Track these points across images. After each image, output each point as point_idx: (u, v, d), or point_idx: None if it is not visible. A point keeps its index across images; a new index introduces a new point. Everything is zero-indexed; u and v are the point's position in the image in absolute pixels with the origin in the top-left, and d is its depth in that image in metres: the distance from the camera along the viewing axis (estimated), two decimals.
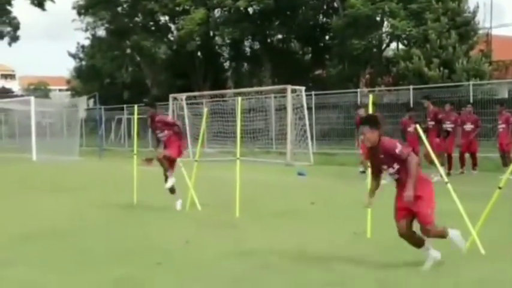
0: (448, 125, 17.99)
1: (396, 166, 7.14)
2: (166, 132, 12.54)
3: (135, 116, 14.64)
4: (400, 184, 7.26)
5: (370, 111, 10.06)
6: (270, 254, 8.01)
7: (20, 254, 8.39)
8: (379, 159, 7.25)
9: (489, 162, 19.44)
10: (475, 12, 33.78)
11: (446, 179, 8.43)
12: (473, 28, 33.62)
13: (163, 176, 12.39)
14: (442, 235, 7.34)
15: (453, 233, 7.39)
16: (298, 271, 7.12)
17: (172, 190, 12.35)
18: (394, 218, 7.34)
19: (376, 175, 7.54)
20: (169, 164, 12.32)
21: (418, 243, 7.25)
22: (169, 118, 12.76)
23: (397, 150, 7.01)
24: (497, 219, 8.94)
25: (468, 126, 18.45)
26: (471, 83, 27.09)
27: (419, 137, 9.88)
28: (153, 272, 7.19)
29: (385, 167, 7.27)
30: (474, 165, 18.55)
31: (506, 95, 26.57)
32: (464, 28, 32.77)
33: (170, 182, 12.24)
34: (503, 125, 17.82)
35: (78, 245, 8.90)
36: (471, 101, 24.28)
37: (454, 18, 32.53)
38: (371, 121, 7.17)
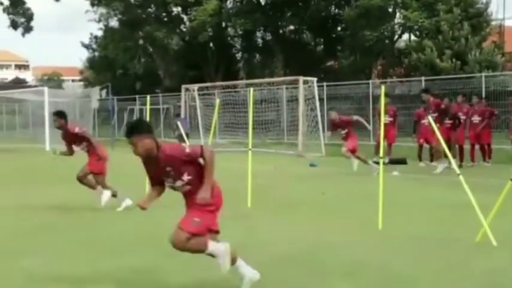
0: (460, 117, 17.98)
1: (187, 176, 5.98)
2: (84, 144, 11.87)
3: (148, 107, 14.69)
4: (191, 197, 6.13)
5: (383, 102, 10.10)
6: (282, 244, 8.06)
7: (32, 245, 8.46)
8: (161, 172, 6.05)
9: (502, 153, 19.40)
10: (487, 3, 33.64)
11: (458, 171, 8.43)
12: (485, 19, 33.47)
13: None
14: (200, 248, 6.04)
15: (217, 247, 6.10)
16: (312, 261, 7.15)
17: (114, 196, 11.57)
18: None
19: (158, 185, 6.39)
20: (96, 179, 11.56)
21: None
22: (78, 129, 11.98)
23: (186, 151, 5.86)
24: (510, 211, 8.95)
25: (476, 118, 18.34)
26: (483, 74, 27.01)
27: (433, 130, 9.88)
28: (166, 262, 7.23)
29: (169, 180, 6.10)
30: (486, 156, 18.45)
31: None
32: (477, 19, 32.61)
33: (104, 198, 11.37)
34: None
35: (89, 234, 8.99)
36: (483, 92, 24.25)
37: (466, 10, 32.37)
38: (138, 127, 5.97)
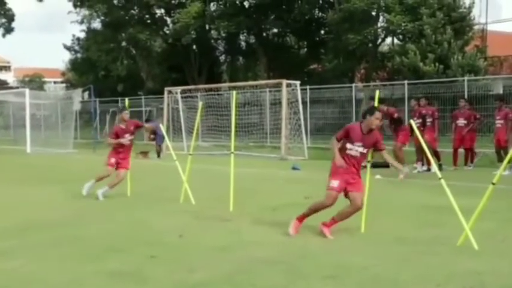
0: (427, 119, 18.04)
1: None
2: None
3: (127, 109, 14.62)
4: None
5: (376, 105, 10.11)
6: (264, 247, 8.02)
7: (15, 246, 8.37)
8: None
9: (484, 157, 19.47)
10: (470, 8, 33.73)
11: (439, 175, 8.42)
12: (468, 23, 33.57)
13: None
14: None
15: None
16: (293, 264, 7.11)
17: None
18: None
19: None
20: None
21: None
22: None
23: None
24: (491, 215, 8.97)
25: (461, 122, 18.38)
26: (466, 78, 27.11)
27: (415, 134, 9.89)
28: (147, 265, 7.18)
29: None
30: (468, 160, 18.48)
31: (501, 91, 26.54)
32: (460, 23, 32.73)
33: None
34: (502, 121, 17.67)
35: (72, 236, 8.90)
36: (466, 96, 24.32)
37: (449, 14, 32.49)
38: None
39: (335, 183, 8.47)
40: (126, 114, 13.00)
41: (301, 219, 8.80)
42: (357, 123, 8.79)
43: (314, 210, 8.74)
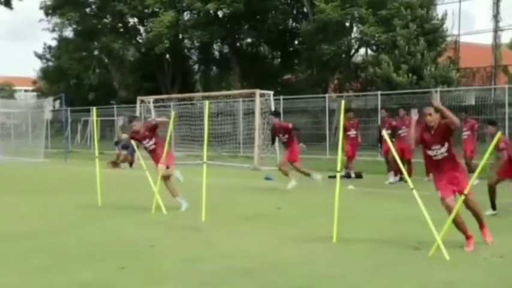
0: (403, 130, 18.07)
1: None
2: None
3: (95, 118, 14.52)
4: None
5: (342, 116, 10.06)
6: (237, 257, 7.97)
7: None
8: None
9: None
10: (443, 19, 34.03)
11: (411, 185, 8.41)
12: (441, 35, 33.87)
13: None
14: None
15: None
16: (266, 275, 7.07)
17: None
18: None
19: None
20: None
21: None
22: None
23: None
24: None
25: None
26: (439, 89, 27.33)
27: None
28: (117, 276, 7.09)
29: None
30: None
31: (473, 102, 26.83)
32: (433, 35, 33.01)
33: None
34: (468, 132, 17.85)
35: (42, 247, 8.77)
36: None
37: (422, 25, 32.75)
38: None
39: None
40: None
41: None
42: None
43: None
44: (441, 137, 8.14)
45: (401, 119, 18.44)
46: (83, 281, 6.92)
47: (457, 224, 8.09)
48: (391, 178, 17.74)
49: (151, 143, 12.48)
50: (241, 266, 7.48)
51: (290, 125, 15.83)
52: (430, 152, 8.25)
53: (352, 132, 19.32)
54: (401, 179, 17.15)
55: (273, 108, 25.54)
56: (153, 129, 12.59)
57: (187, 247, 8.71)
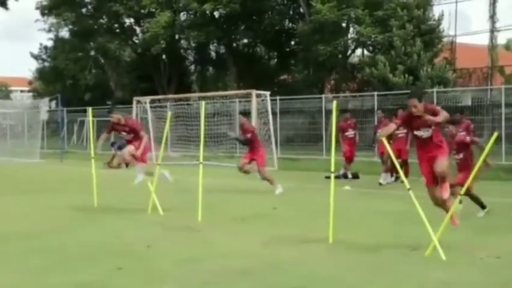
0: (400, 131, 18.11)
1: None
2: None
3: (90, 118, 14.50)
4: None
5: (334, 116, 10.05)
6: (234, 258, 7.96)
7: None
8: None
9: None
10: (439, 20, 34.04)
11: (408, 186, 8.40)
12: (437, 36, 33.87)
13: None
14: None
15: None
16: (263, 275, 7.06)
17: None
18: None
19: None
20: None
21: None
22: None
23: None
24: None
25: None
26: (435, 90, 27.31)
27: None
28: (115, 277, 7.08)
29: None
30: None
31: (469, 103, 26.81)
32: (429, 36, 33.01)
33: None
34: (464, 132, 17.87)
35: (38, 248, 8.75)
36: None
37: (418, 26, 32.76)
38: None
39: None
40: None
41: None
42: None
43: None
44: (424, 120, 8.44)
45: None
46: (80, 281, 6.91)
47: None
48: (382, 179, 17.69)
49: (129, 136, 12.76)
50: (238, 266, 7.46)
51: (256, 130, 15.90)
52: (417, 133, 8.61)
53: (349, 133, 19.33)
54: (397, 178, 17.17)
55: (269, 109, 25.56)
56: (131, 131, 12.76)
57: (184, 247, 8.69)
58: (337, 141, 18.61)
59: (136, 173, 12.69)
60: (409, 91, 23.40)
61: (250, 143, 15.46)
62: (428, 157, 8.56)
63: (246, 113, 17.35)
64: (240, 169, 15.55)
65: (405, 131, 18.20)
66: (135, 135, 12.66)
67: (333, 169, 9.28)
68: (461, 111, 19.53)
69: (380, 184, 17.34)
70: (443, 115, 8.32)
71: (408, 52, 32.10)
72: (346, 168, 19.17)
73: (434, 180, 8.53)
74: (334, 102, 10.10)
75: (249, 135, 15.37)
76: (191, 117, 29.26)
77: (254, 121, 25.02)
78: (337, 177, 18.35)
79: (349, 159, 19.28)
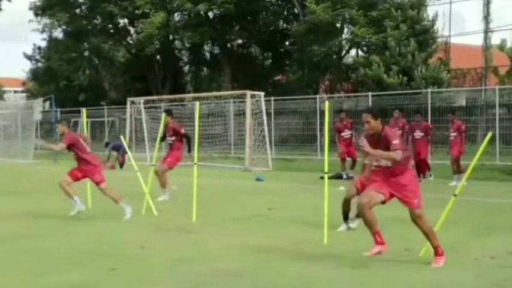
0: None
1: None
2: None
3: (84, 119, 14.46)
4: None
5: (327, 117, 10.03)
6: (228, 258, 7.94)
7: None
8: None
9: (443, 168, 19.55)
10: (434, 21, 34.13)
11: None
12: (432, 36, 33.94)
13: None
14: None
15: None
16: (257, 276, 7.05)
17: None
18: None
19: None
20: None
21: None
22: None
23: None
24: (452, 226, 8.97)
25: (418, 134, 18.39)
26: (429, 90, 27.33)
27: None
28: (108, 278, 7.04)
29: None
30: (421, 173, 18.44)
31: (464, 103, 26.85)
32: (423, 36, 33.08)
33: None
34: (455, 133, 17.89)
35: (31, 249, 8.71)
36: (429, 108, 24.56)
37: (413, 26, 32.82)
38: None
39: None
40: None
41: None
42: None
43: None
44: (386, 148, 7.43)
45: (395, 120, 18.48)
46: (73, 282, 6.88)
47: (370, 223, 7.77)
48: None
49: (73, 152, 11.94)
50: (232, 267, 7.45)
51: (182, 130, 14.65)
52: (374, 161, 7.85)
53: (346, 133, 19.31)
54: None
55: (264, 110, 25.55)
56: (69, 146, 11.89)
57: (178, 248, 8.66)
58: (333, 141, 18.67)
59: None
60: (404, 92, 23.48)
61: (176, 144, 14.55)
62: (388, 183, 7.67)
63: (170, 111, 15.80)
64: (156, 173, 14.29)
65: (400, 132, 18.24)
66: (74, 151, 11.84)
67: (326, 169, 9.26)
68: (452, 111, 19.58)
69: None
70: (393, 155, 7.27)
71: (402, 53, 32.15)
72: (342, 168, 19.16)
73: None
74: (326, 103, 10.09)
75: (174, 137, 14.48)
76: (185, 118, 29.22)
77: (248, 121, 25.02)
78: (340, 178, 18.44)
79: (344, 160, 19.24)
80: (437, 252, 7.48)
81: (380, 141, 7.47)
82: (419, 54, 32.15)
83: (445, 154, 19.61)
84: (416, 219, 7.51)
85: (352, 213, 9.67)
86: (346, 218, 9.93)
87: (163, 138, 14.77)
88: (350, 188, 10.03)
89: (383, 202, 7.75)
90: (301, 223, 10.76)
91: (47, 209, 12.68)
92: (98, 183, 11.78)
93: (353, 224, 9.92)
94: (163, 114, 14.19)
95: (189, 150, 14.62)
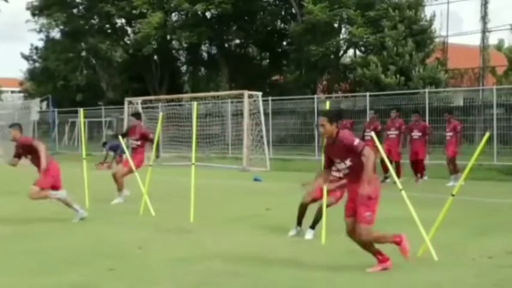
0: (392, 132, 18.16)
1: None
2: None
3: (82, 119, 14.43)
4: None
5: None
6: (226, 259, 7.94)
7: None
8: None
9: (440, 168, 19.58)
10: (431, 21, 34.10)
11: (400, 186, 8.39)
12: (429, 36, 33.92)
13: None
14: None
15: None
16: (256, 276, 7.05)
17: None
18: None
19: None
20: None
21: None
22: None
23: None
24: (449, 226, 8.98)
25: (416, 134, 18.39)
26: (427, 90, 27.31)
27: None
28: (106, 278, 7.05)
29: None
30: (418, 172, 18.44)
31: (461, 103, 26.83)
32: (421, 36, 33.06)
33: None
34: (451, 133, 17.90)
35: (30, 249, 8.72)
36: (427, 108, 24.56)
37: (410, 26, 32.80)
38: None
39: None
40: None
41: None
42: None
43: None
44: (342, 152, 7.27)
45: (392, 120, 18.49)
46: (72, 282, 6.88)
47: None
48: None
49: (29, 156, 11.78)
50: (230, 266, 7.46)
51: (151, 136, 14.09)
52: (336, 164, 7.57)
53: None
54: (386, 178, 17.22)
55: (261, 110, 25.55)
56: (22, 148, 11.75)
57: (176, 248, 8.66)
58: None
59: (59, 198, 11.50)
60: (401, 92, 23.48)
61: (140, 148, 14.11)
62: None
63: (138, 114, 15.43)
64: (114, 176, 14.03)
65: (396, 132, 18.26)
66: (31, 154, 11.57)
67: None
68: (449, 111, 19.56)
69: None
70: (367, 157, 7.01)
71: (400, 53, 32.14)
72: None
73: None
74: (328, 103, 10.09)
75: (140, 141, 14.00)
76: (183, 118, 29.23)
77: (246, 121, 25.02)
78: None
79: None
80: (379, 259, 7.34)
81: (335, 145, 7.36)
82: (417, 54, 32.13)
83: (442, 154, 19.63)
84: (356, 234, 7.19)
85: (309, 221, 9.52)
86: (299, 222, 9.68)
87: (124, 136, 14.46)
88: (308, 194, 9.79)
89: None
90: None
91: (45, 210, 12.66)
92: (36, 183, 11.39)
93: (309, 235, 9.41)
94: (130, 118, 13.89)
95: (157, 156, 14.18)
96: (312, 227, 9.37)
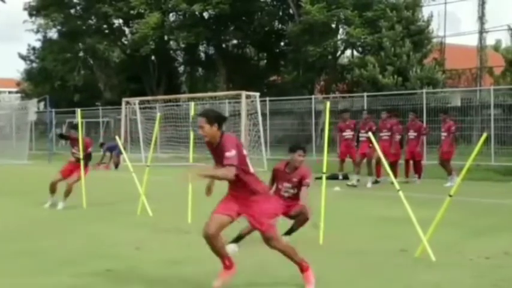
0: (384, 133, 18.16)
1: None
2: None
3: (79, 120, 14.42)
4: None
5: (327, 117, 10.03)
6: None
7: None
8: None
9: (438, 169, 19.58)
10: (429, 21, 34.14)
11: (398, 187, 8.39)
12: (427, 37, 33.96)
13: None
14: None
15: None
16: (252, 277, 7.06)
17: None
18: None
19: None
20: None
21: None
22: None
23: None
24: (447, 226, 8.98)
25: (412, 134, 18.38)
26: (424, 90, 27.32)
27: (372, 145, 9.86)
28: (103, 278, 7.04)
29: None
30: (416, 173, 18.44)
31: (459, 103, 26.85)
32: (418, 36, 33.09)
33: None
34: (445, 133, 17.90)
35: (26, 250, 8.70)
36: (424, 109, 24.57)
37: (408, 27, 32.83)
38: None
39: None
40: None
41: None
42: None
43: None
44: (220, 154, 6.70)
45: (383, 121, 18.47)
46: (69, 282, 6.88)
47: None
48: (369, 183, 17.64)
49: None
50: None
51: (89, 150, 13.89)
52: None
53: (347, 133, 18.97)
54: (377, 182, 17.41)
55: (259, 110, 25.53)
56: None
57: (173, 249, 8.65)
58: (333, 141, 18.59)
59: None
60: (399, 92, 23.40)
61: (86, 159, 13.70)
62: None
63: (75, 125, 15.10)
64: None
65: (389, 133, 18.24)
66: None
67: (325, 170, 9.24)
68: (445, 111, 19.57)
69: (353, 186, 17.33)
70: (223, 172, 6.80)
71: (397, 53, 32.17)
72: (339, 169, 19.04)
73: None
74: (327, 103, 10.08)
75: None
76: (180, 118, 29.23)
77: (243, 122, 25.00)
78: (336, 178, 18.34)
79: (344, 161, 19.07)
80: (302, 268, 6.75)
81: (217, 149, 6.69)
82: (415, 54, 32.16)
83: (434, 154, 19.69)
84: (268, 241, 6.78)
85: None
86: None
87: (62, 137, 14.24)
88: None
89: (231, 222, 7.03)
90: None
91: (41, 210, 12.66)
92: None
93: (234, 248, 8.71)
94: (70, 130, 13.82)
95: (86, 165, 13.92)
96: (288, 233, 9.20)
